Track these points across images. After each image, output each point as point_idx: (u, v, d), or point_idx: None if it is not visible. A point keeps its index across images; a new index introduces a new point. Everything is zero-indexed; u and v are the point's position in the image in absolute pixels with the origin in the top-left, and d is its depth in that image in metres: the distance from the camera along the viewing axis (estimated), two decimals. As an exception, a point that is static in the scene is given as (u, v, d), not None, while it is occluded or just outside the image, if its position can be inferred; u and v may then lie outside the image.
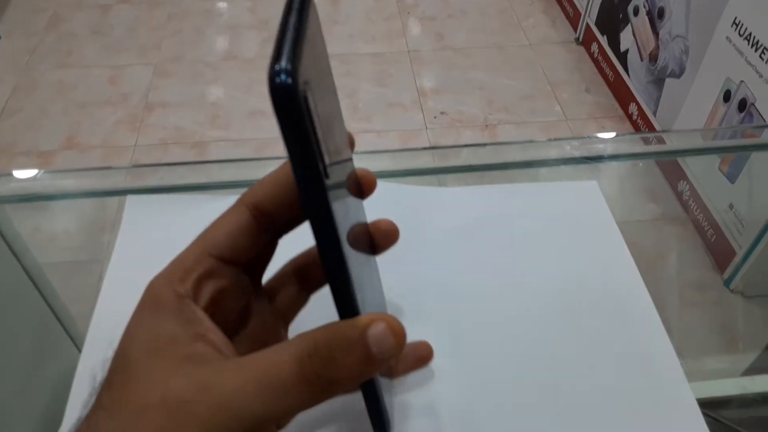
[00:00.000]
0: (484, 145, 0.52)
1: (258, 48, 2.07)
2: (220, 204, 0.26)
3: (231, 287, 0.25)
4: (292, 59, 0.17)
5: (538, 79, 1.96)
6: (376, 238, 0.30)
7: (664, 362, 0.37)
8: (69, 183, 0.49)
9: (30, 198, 0.49)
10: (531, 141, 0.54)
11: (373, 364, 0.21)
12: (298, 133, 0.17)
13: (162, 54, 2.04)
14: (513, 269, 0.41)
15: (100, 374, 0.22)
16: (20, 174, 0.48)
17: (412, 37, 2.13)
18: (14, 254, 0.51)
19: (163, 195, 0.47)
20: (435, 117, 1.82)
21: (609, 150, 0.53)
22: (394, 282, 0.35)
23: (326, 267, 0.20)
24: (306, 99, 0.17)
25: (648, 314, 0.39)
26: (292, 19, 0.19)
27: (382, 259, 0.32)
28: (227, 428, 0.20)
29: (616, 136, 0.54)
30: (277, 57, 0.17)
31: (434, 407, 0.34)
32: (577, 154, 0.52)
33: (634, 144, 0.61)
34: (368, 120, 1.81)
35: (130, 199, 0.46)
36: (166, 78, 1.94)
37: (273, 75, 0.17)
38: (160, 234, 0.44)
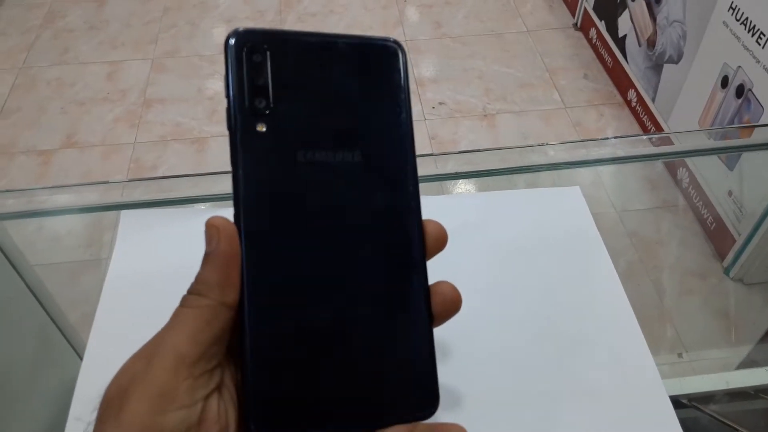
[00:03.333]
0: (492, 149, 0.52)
1: (255, 40, 2.06)
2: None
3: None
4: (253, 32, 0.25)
5: (537, 66, 1.95)
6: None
7: (639, 362, 0.39)
8: (65, 198, 0.50)
9: (28, 214, 0.49)
10: (543, 144, 0.54)
11: None
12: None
13: (158, 48, 2.03)
14: (498, 275, 0.43)
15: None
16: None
17: (409, 25, 2.12)
18: (14, 268, 0.52)
19: (156, 209, 0.47)
20: (434, 107, 1.81)
21: (604, 153, 0.54)
22: None
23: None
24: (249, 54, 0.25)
25: (626, 317, 0.41)
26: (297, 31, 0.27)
27: None
28: None
29: (613, 138, 0.55)
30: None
31: None
32: (577, 156, 0.52)
33: (635, 145, 0.61)
34: (366, 111, 1.80)
35: (124, 213, 0.47)
36: (163, 73, 1.94)
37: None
38: (154, 247, 0.45)
